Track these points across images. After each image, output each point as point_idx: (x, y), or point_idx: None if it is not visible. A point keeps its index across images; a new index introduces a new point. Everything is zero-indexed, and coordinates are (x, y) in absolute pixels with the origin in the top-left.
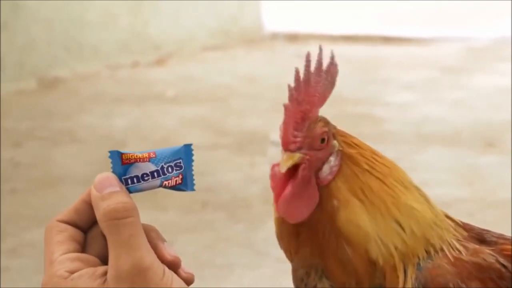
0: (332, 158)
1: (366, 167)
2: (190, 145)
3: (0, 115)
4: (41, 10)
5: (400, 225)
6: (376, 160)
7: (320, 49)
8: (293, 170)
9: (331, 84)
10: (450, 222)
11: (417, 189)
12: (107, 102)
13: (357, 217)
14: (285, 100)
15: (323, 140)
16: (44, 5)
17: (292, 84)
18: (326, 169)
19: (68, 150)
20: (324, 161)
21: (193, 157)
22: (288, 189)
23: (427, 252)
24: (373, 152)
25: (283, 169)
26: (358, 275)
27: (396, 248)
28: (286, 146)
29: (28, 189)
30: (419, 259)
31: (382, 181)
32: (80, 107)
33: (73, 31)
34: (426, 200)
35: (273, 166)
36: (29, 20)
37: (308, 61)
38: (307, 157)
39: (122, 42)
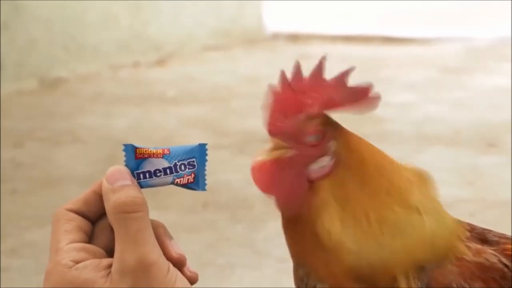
0: (326, 159)
1: (361, 178)
2: (205, 144)
3: (0, 115)
4: (41, 10)
5: (381, 244)
6: (379, 174)
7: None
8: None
9: (354, 99)
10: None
11: (424, 207)
12: (108, 102)
13: (331, 223)
14: None
15: (316, 137)
16: (44, 5)
17: (289, 72)
18: (315, 167)
19: (69, 150)
20: (315, 159)
21: (207, 157)
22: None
23: (421, 267)
24: (378, 166)
25: (261, 155)
26: (339, 280)
27: (374, 262)
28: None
29: (28, 189)
30: (415, 271)
31: (372, 196)
32: (80, 108)
33: (73, 31)
34: (432, 218)
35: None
36: (29, 20)
37: (322, 62)
38: (290, 153)
39: (123, 42)
